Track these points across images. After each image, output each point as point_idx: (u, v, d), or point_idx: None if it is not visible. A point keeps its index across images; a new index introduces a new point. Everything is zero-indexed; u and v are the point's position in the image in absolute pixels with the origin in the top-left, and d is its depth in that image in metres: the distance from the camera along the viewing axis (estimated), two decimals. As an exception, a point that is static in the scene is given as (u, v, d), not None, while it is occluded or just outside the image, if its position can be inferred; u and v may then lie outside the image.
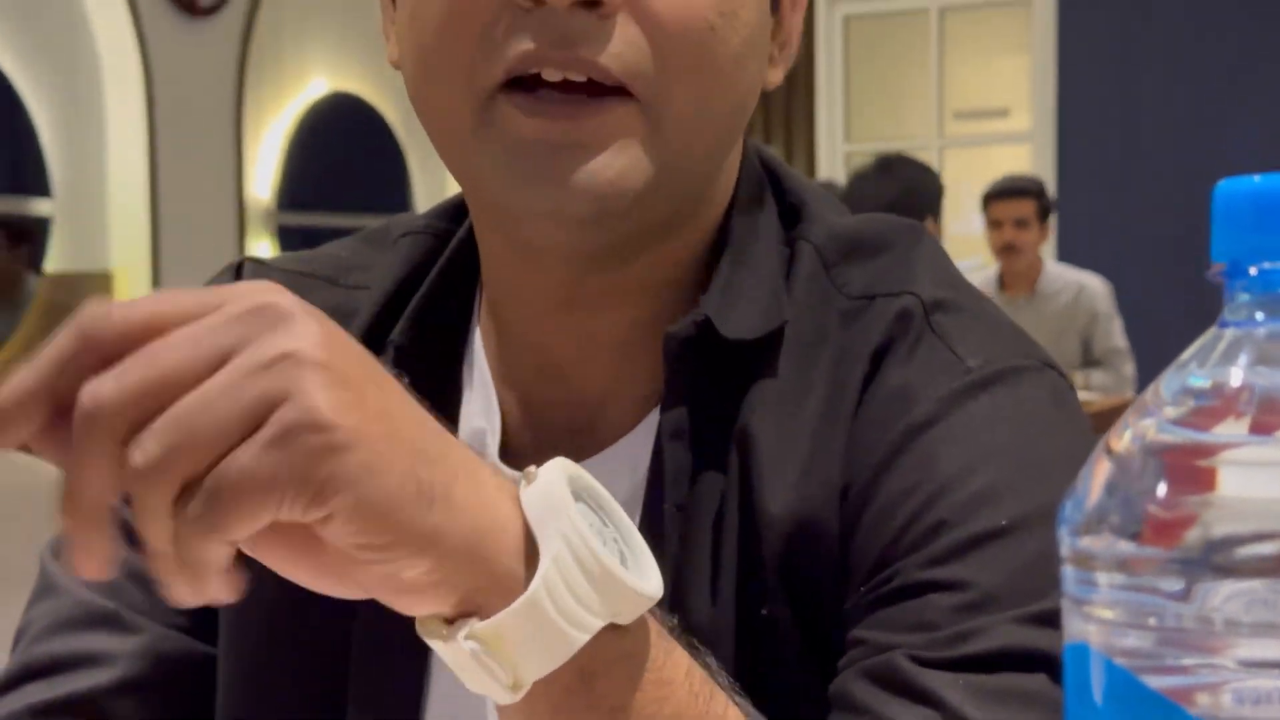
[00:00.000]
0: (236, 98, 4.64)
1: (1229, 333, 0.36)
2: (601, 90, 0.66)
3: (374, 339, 0.76)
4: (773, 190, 0.79)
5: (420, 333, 0.77)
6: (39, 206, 4.40)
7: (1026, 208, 4.25)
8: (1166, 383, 0.36)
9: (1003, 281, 4.28)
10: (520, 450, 0.76)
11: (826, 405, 0.72)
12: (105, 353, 0.43)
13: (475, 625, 0.46)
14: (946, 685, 0.62)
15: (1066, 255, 5.05)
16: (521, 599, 0.46)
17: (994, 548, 0.66)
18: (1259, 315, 0.35)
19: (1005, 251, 4.28)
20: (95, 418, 0.42)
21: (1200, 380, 0.36)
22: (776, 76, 0.76)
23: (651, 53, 0.66)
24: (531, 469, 0.50)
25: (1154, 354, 3.02)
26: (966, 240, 5.20)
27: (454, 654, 0.47)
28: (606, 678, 0.50)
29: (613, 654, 0.50)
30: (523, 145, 0.66)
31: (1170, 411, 0.36)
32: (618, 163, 0.67)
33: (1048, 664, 0.54)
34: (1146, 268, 5.20)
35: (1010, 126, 6.56)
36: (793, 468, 0.71)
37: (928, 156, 5.74)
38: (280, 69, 4.90)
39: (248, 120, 4.77)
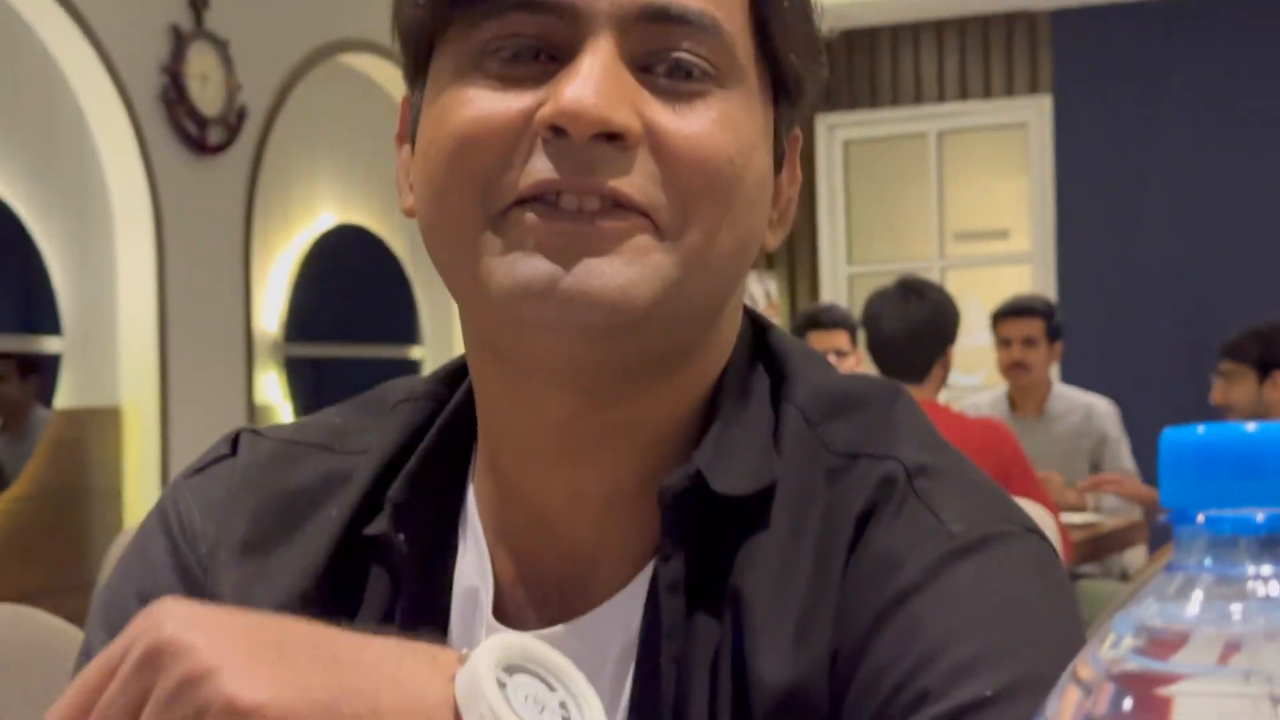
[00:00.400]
0: (245, 232, 4.72)
1: (1179, 576, 0.37)
2: (616, 208, 0.67)
3: (372, 501, 0.77)
4: (760, 349, 0.79)
5: (417, 492, 0.77)
6: (49, 344, 4.44)
7: (1035, 327, 4.27)
8: (1127, 616, 0.37)
9: (1012, 402, 4.31)
10: (514, 608, 0.78)
11: (816, 567, 0.72)
12: None
13: None
14: None
15: (1069, 375, 5.08)
16: None
17: (978, 716, 0.66)
18: (1207, 561, 0.36)
19: (1014, 369, 4.30)
20: None
21: (1158, 615, 0.36)
22: (774, 240, 0.77)
23: (669, 186, 0.68)
24: (465, 650, 0.54)
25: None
26: (972, 353, 5.25)
27: None
28: None
29: None
30: (535, 247, 0.66)
31: (1132, 638, 0.36)
32: (630, 272, 0.67)
33: None
34: (1150, 386, 5.27)
35: (1010, 247, 6.59)
36: (785, 632, 0.71)
37: (930, 276, 5.75)
38: (288, 202, 5.02)
39: (256, 254, 4.85)
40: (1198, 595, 0.36)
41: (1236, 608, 0.35)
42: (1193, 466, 0.36)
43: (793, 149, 0.78)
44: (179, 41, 4.40)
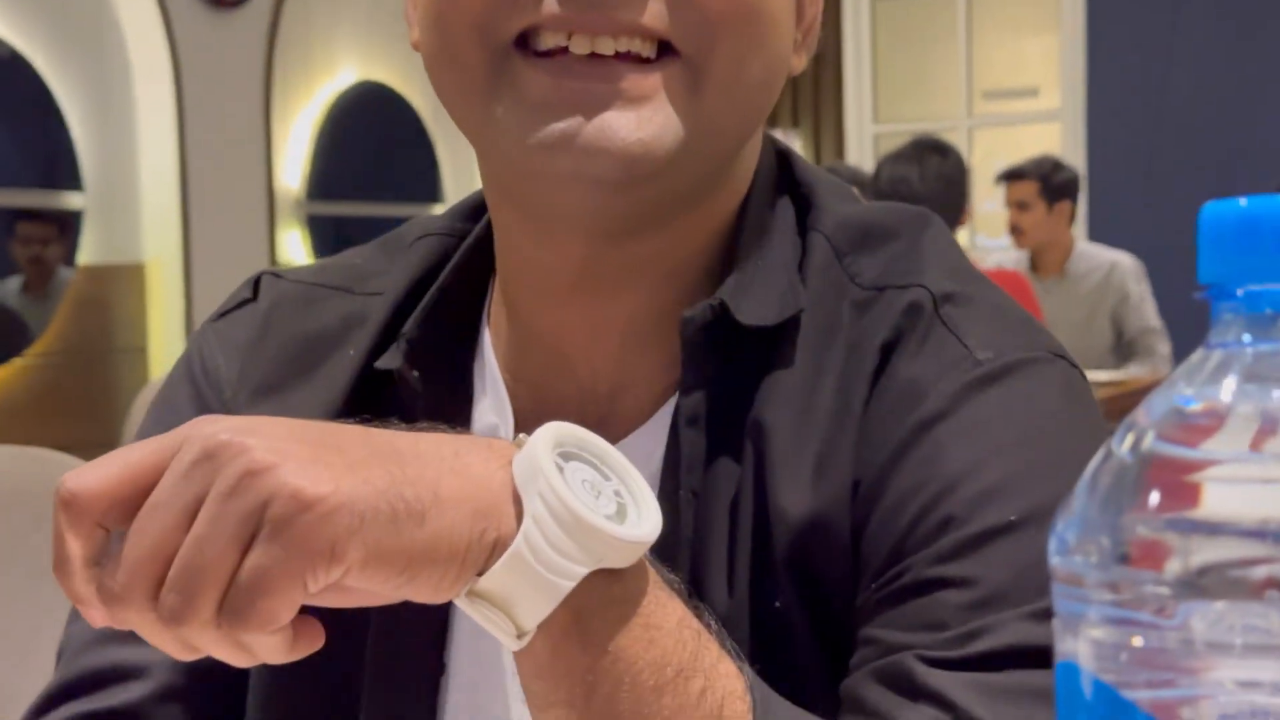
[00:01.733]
0: (265, 88, 4.70)
1: (1216, 354, 0.36)
2: (631, 56, 0.64)
3: (388, 339, 0.76)
4: (785, 179, 0.78)
5: (431, 328, 0.76)
6: (71, 200, 4.39)
7: (1028, 190, 4.26)
8: (1155, 402, 0.37)
9: (1033, 263, 4.27)
10: None
11: (838, 398, 0.71)
12: (100, 522, 0.50)
13: (474, 583, 0.50)
14: (956, 686, 0.62)
15: (1098, 235, 5.04)
16: (504, 555, 0.50)
17: (1002, 544, 0.66)
18: (1245, 336, 0.36)
19: (1012, 232, 4.33)
20: (123, 598, 0.49)
21: (1188, 400, 0.36)
22: (800, 62, 0.75)
23: (691, 12, 0.65)
24: (523, 436, 0.53)
25: (1189, 333, 3.22)
26: (998, 216, 5.20)
27: (466, 608, 0.51)
28: (599, 619, 0.52)
29: (604, 598, 0.52)
30: (543, 104, 0.64)
31: (1160, 429, 0.36)
32: (654, 122, 0.65)
33: (1047, 658, 0.55)
34: (1179, 246, 5.05)
35: (1040, 106, 6.53)
36: (806, 464, 0.71)
37: (957, 136, 5.79)
38: (308, 59, 4.96)
39: (276, 111, 4.82)
40: (1234, 375, 0.35)
41: (1274, 392, 0.35)
42: (1233, 240, 0.36)
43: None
44: (196, -108, 4.28)
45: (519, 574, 0.50)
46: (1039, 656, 0.59)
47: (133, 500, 0.50)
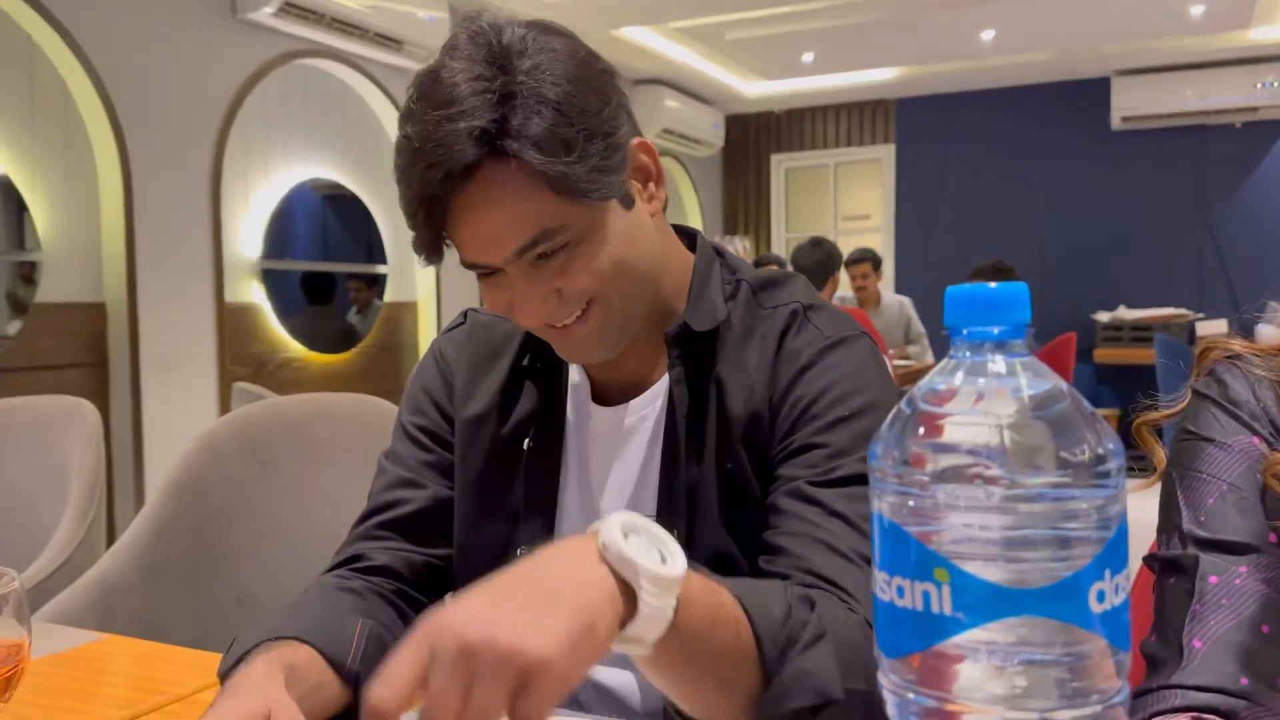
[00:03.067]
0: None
1: (953, 361, 0.52)
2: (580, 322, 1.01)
3: (525, 346, 1.15)
4: (719, 260, 1.12)
5: (543, 345, 1.12)
6: (379, 269, 5.65)
7: (866, 267, 6.05)
8: (923, 384, 0.51)
9: (859, 302, 6.00)
10: (600, 396, 1.14)
11: (758, 360, 1.03)
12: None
13: (623, 634, 0.68)
14: (825, 494, 0.94)
15: (898, 288, 7.26)
16: (638, 622, 0.68)
17: (843, 426, 0.98)
18: (966, 353, 0.51)
19: (857, 291, 6.06)
20: None
21: (939, 384, 0.51)
22: (661, 198, 1.05)
23: (591, 292, 1.00)
24: (597, 524, 0.70)
25: (943, 338, 5.80)
26: (846, 280, 6.18)
27: (616, 648, 0.69)
28: (677, 616, 0.71)
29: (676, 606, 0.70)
30: (557, 346, 1.06)
31: (924, 397, 0.51)
32: (599, 348, 1.04)
33: (867, 481, 0.59)
34: (934, 294, 6.89)
35: (870, 224, 8.51)
36: (744, 390, 1.03)
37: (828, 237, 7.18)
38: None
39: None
40: (960, 372, 0.50)
41: (980, 379, 0.50)
42: (962, 304, 0.51)
43: (643, 156, 1.03)
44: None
45: (647, 627, 0.69)
46: (861, 480, 0.88)
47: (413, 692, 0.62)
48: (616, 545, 0.68)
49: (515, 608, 0.63)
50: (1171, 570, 0.83)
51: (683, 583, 0.70)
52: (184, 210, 4.57)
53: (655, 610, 0.68)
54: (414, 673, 0.62)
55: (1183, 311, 7.01)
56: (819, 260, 5.21)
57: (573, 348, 1.03)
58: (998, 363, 0.51)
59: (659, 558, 0.70)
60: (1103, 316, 7.16)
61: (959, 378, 0.51)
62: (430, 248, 0.97)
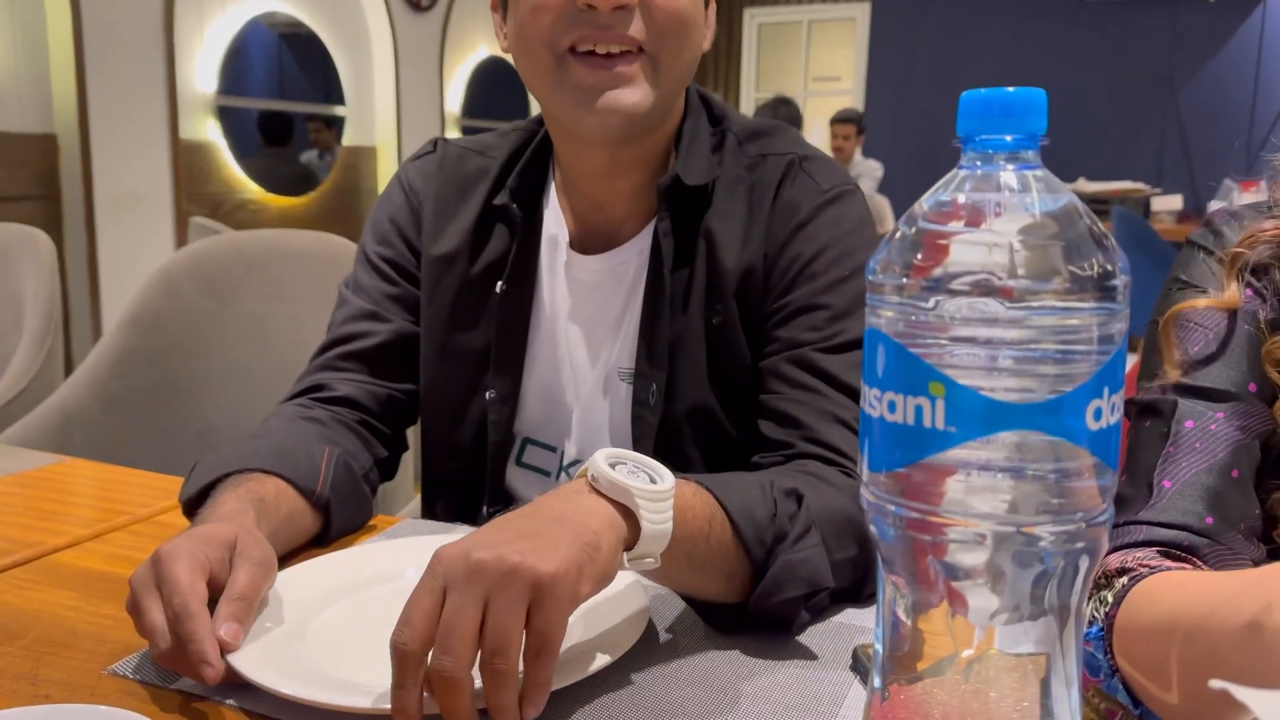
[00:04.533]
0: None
1: (961, 173, 0.50)
2: (625, 52, 0.95)
3: (498, 184, 1.10)
4: (705, 106, 1.09)
5: (522, 181, 1.09)
6: (338, 109, 5.83)
7: (851, 129, 6.34)
8: (927, 199, 0.50)
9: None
10: (579, 244, 1.11)
11: (749, 211, 1.03)
12: (422, 658, 0.62)
13: (630, 554, 0.71)
14: (831, 363, 0.96)
15: (867, 150, 7.10)
16: (641, 540, 0.70)
17: (842, 285, 0.99)
18: (978, 164, 0.49)
19: (836, 151, 6.35)
20: (458, 679, 0.62)
21: (944, 197, 0.49)
22: (706, 44, 1.04)
23: (654, 30, 0.96)
24: (583, 465, 0.73)
25: (907, 190, 5.88)
26: (816, 143, 6.40)
27: (626, 566, 0.71)
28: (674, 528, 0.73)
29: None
30: (584, 90, 0.96)
31: (925, 215, 0.50)
32: (635, 96, 0.96)
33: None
34: (907, 161, 7.14)
35: (841, 86, 8.71)
36: (736, 243, 1.03)
37: (798, 102, 7.24)
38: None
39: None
40: (967, 186, 0.49)
41: (989, 193, 0.48)
42: (975, 110, 0.48)
43: None
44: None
45: (651, 544, 0.71)
46: (860, 343, 0.70)
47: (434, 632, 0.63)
48: (606, 475, 0.70)
49: (520, 536, 0.66)
50: (1148, 414, 0.84)
51: (674, 494, 0.73)
52: (135, 40, 4.48)
53: (656, 525, 0.71)
54: (431, 606, 0.63)
55: (1140, 186, 7.09)
56: (782, 119, 5.22)
57: (608, 82, 0.97)
58: (1009, 174, 0.49)
59: (648, 479, 0.72)
60: (1063, 188, 7.28)
61: (963, 192, 0.50)
62: None
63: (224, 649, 0.72)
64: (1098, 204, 7.04)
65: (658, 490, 0.71)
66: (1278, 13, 7.14)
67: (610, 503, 0.71)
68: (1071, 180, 7.38)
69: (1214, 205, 6.34)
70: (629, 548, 0.71)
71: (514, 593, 0.63)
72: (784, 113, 5.41)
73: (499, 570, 0.63)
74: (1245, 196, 6.03)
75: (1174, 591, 0.63)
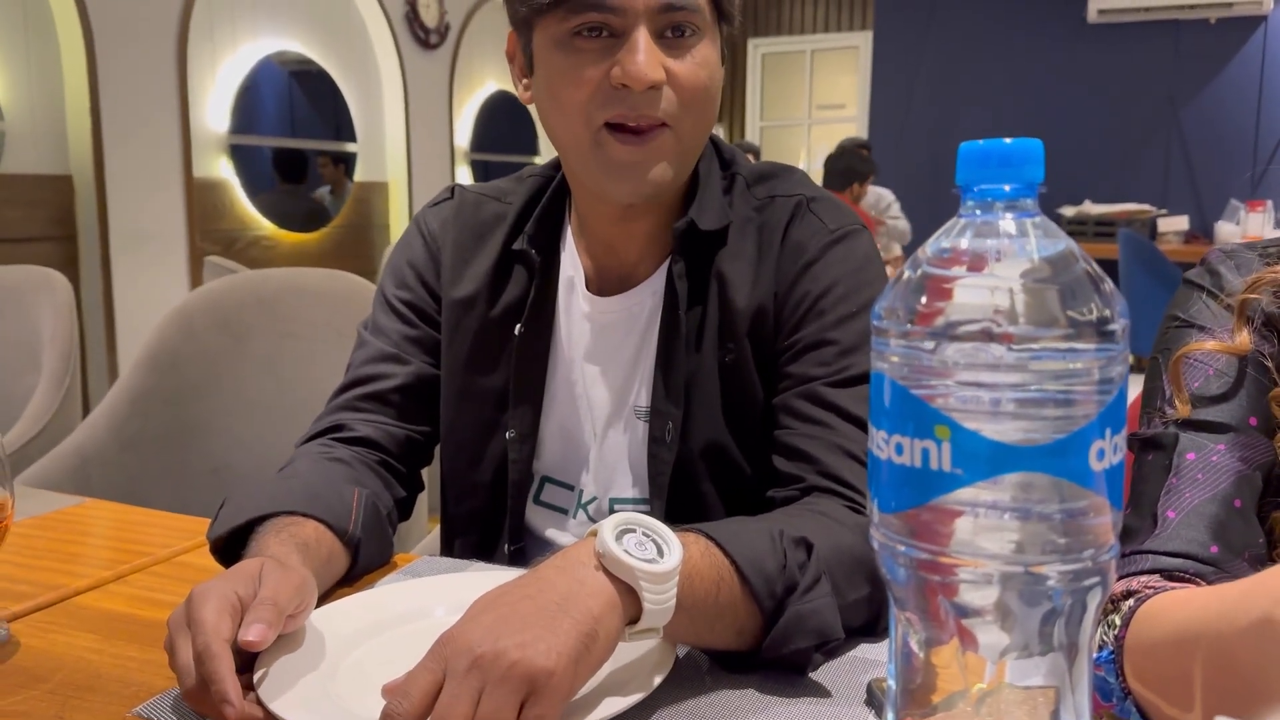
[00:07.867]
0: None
1: (962, 221, 0.50)
2: (654, 126, 0.98)
3: (515, 229, 1.12)
4: (716, 151, 1.11)
5: (540, 226, 1.11)
6: (349, 146, 5.80)
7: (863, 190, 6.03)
8: (930, 245, 0.50)
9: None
10: (595, 286, 1.12)
11: (758, 251, 1.05)
12: None
13: (631, 631, 0.72)
14: (839, 396, 0.98)
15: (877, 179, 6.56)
16: (643, 620, 0.71)
17: (849, 322, 1.00)
18: (977, 212, 0.50)
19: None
20: None
21: (946, 244, 0.50)
22: (721, 77, 1.05)
23: (678, 103, 0.99)
24: (595, 526, 0.74)
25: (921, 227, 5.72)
26: (817, 173, 6.31)
27: (628, 639, 0.72)
28: (680, 594, 0.73)
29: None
30: (618, 163, 1.00)
31: (929, 260, 0.50)
32: (665, 171, 1.00)
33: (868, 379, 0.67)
34: (913, 186, 7.01)
35: (846, 113, 8.79)
36: (747, 283, 1.04)
37: (803, 130, 7.74)
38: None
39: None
40: (968, 233, 0.49)
41: (989, 239, 0.49)
42: (974, 161, 0.49)
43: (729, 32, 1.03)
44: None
45: (653, 621, 0.72)
46: (867, 378, 0.83)
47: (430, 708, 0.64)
48: (611, 552, 0.71)
49: (522, 623, 0.67)
50: (1150, 447, 0.85)
51: (681, 565, 0.74)
52: (149, 80, 4.52)
53: (658, 605, 0.72)
54: (430, 684, 0.66)
55: (1146, 207, 7.03)
56: (844, 168, 5.47)
57: (640, 159, 1.00)
58: (1008, 222, 0.50)
59: (655, 551, 0.73)
60: (1068, 210, 7.22)
61: (965, 239, 0.50)
62: None
63: (251, 649, 0.74)
64: (1103, 226, 7.04)
65: (661, 571, 0.72)
66: (1279, 32, 7.15)
67: (614, 580, 0.72)
68: (1077, 203, 7.32)
69: (1221, 225, 6.43)
70: (633, 620, 0.73)
71: (509, 687, 0.65)
72: (850, 160, 5.60)
73: (498, 667, 0.65)
74: (1252, 216, 6.23)
75: (1180, 606, 0.64)
